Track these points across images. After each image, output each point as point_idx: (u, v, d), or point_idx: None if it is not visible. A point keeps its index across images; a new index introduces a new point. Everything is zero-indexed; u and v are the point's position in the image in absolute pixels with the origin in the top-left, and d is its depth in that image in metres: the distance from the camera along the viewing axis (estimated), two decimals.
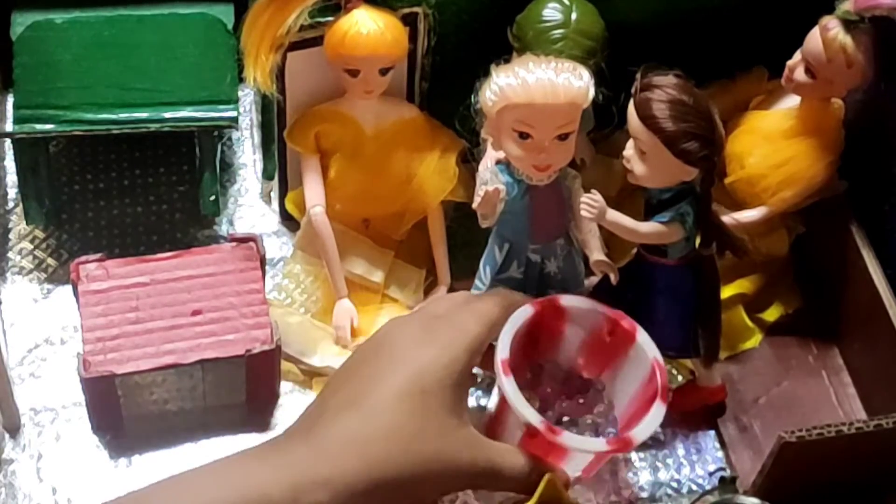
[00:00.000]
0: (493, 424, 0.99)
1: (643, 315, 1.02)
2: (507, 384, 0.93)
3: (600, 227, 0.99)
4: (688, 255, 1.00)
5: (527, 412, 0.92)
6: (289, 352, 1.06)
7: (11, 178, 1.18)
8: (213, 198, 1.13)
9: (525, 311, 0.96)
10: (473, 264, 1.04)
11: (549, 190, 0.98)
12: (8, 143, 1.15)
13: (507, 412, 0.95)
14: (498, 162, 0.98)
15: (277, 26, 0.99)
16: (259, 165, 1.17)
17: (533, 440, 0.93)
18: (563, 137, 0.94)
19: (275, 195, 1.16)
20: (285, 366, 1.06)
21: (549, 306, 0.97)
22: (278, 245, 1.16)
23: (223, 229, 1.17)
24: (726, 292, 1.08)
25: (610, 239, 1.01)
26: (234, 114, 1.10)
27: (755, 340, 1.12)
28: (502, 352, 0.94)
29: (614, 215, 0.97)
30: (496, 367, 0.94)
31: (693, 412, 1.07)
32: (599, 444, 0.94)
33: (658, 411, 0.93)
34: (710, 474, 1.05)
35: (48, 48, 1.10)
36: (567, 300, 0.98)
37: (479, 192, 0.95)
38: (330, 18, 1.01)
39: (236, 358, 1.01)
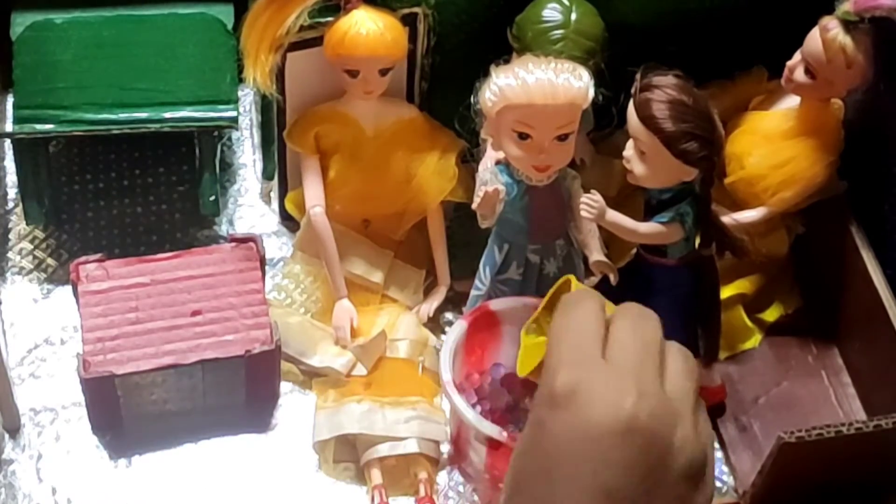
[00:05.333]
0: (456, 442, 1.00)
1: None
2: (459, 403, 0.94)
3: (600, 227, 0.99)
4: (687, 255, 1.00)
5: (484, 426, 0.93)
6: (288, 352, 1.06)
7: (11, 178, 1.18)
8: (212, 198, 1.13)
9: (459, 327, 0.99)
10: (473, 264, 1.04)
11: (549, 190, 0.98)
12: (8, 143, 1.15)
13: (466, 429, 0.96)
14: (498, 162, 0.98)
15: (277, 27, 0.99)
16: (259, 165, 1.17)
17: (498, 451, 0.94)
18: (563, 138, 0.94)
19: (275, 195, 1.16)
20: (285, 366, 1.06)
21: (481, 315, 0.98)
22: (278, 245, 1.16)
23: (223, 229, 1.17)
24: (726, 292, 1.08)
25: (609, 239, 1.01)
26: (234, 114, 1.10)
27: (755, 340, 1.12)
28: (446, 373, 0.95)
29: (614, 216, 0.97)
30: (444, 389, 0.95)
31: None
32: None
33: None
34: None
35: (48, 48, 1.10)
36: (496, 304, 0.99)
37: (479, 192, 0.95)
38: (329, 19, 1.01)
39: (236, 358, 1.01)
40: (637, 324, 0.70)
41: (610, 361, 0.67)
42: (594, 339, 0.69)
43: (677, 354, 0.70)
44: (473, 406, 0.98)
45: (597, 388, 0.65)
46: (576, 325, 0.70)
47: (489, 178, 0.96)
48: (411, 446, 1.01)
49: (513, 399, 1.01)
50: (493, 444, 0.94)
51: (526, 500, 0.67)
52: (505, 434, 0.93)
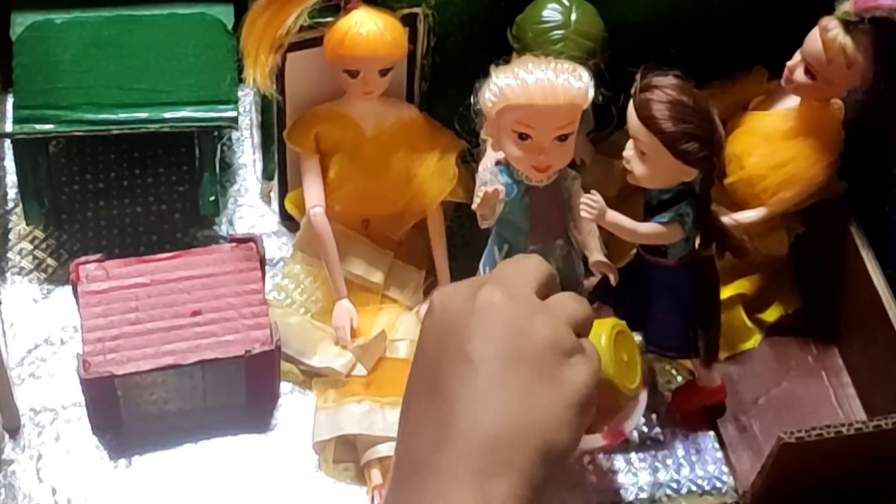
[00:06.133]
0: None
1: (643, 315, 1.03)
2: None
3: (600, 227, 0.99)
4: (687, 255, 1.00)
5: None
6: (288, 352, 1.06)
7: (11, 178, 1.18)
8: (212, 198, 1.13)
9: None
10: (473, 265, 1.04)
11: (549, 191, 0.98)
12: (8, 143, 1.15)
13: None
14: (497, 162, 0.98)
15: (277, 27, 0.99)
16: (259, 165, 1.18)
17: None
18: (563, 138, 0.94)
19: (275, 195, 1.16)
20: (285, 366, 1.06)
21: None
22: (278, 245, 1.16)
23: (223, 229, 1.17)
24: (726, 292, 1.08)
25: (609, 239, 1.01)
26: (234, 114, 1.10)
27: (755, 341, 1.12)
28: None
29: (614, 216, 0.97)
30: None
31: (693, 413, 1.07)
32: (595, 439, 0.95)
33: (643, 399, 0.96)
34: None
35: (48, 48, 1.10)
36: None
37: (479, 192, 0.95)
38: (329, 19, 1.01)
39: (236, 358, 1.01)
40: (521, 260, 0.80)
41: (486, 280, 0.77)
42: (476, 279, 0.79)
43: (565, 294, 0.79)
44: None
45: (461, 289, 0.76)
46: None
47: (489, 179, 0.96)
48: None
49: None
50: None
51: (417, 395, 0.75)
52: None
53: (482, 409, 0.71)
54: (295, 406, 1.07)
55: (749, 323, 1.12)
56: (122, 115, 1.09)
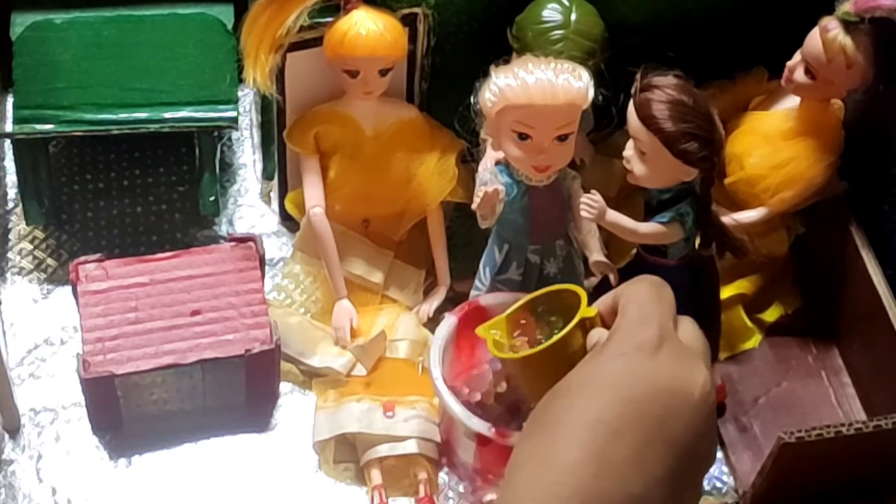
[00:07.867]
0: (445, 438, 1.00)
1: None
2: (447, 398, 0.94)
3: (600, 227, 0.99)
4: (688, 255, 1.00)
5: (473, 423, 0.93)
6: (288, 352, 1.06)
7: (11, 178, 1.18)
8: (212, 198, 1.13)
9: (449, 322, 0.99)
10: (473, 265, 1.04)
11: (549, 191, 0.98)
12: (8, 143, 1.15)
13: (454, 425, 0.96)
14: (497, 162, 0.98)
15: (277, 27, 0.99)
16: (259, 165, 1.18)
17: (487, 448, 0.94)
18: (563, 138, 0.94)
19: (274, 195, 1.17)
20: (285, 366, 1.06)
21: (471, 310, 0.98)
22: (278, 245, 1.16)
23: (223, 229, 1.17)
24: (726, 292, 1.08)
25: (609, 239, 1.01)
26: (233, 114, 1.10)
27: (755, 341, 1.12)
28: (435, 368, 0.95)
29: (614, 216, 0.97)
30: (433, 385, 0.95)
31: None
32: None
33: None
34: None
35: (48, 48, 1.10)
36: (486, 299, 0.99)
37: (479, 192, 0.95)
38: (329, 19, 1.01)
39: (236, 358, 1.01)
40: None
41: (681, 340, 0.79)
42: (671, 312, 0.79)
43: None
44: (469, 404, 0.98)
45: (682, 361, 0.76)
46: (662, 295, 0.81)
47: (489, 179, 0.96)
48: (411, 447, 1.01)
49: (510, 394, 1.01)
50: (482, 441, 0.94)
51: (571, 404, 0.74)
52: (493, 430, 0.93)
53: (664, 492, 0.73)
54: (295, 406, 1.07)
55: (749, 323, 1.12)
56: (122, 115, 1.09)
